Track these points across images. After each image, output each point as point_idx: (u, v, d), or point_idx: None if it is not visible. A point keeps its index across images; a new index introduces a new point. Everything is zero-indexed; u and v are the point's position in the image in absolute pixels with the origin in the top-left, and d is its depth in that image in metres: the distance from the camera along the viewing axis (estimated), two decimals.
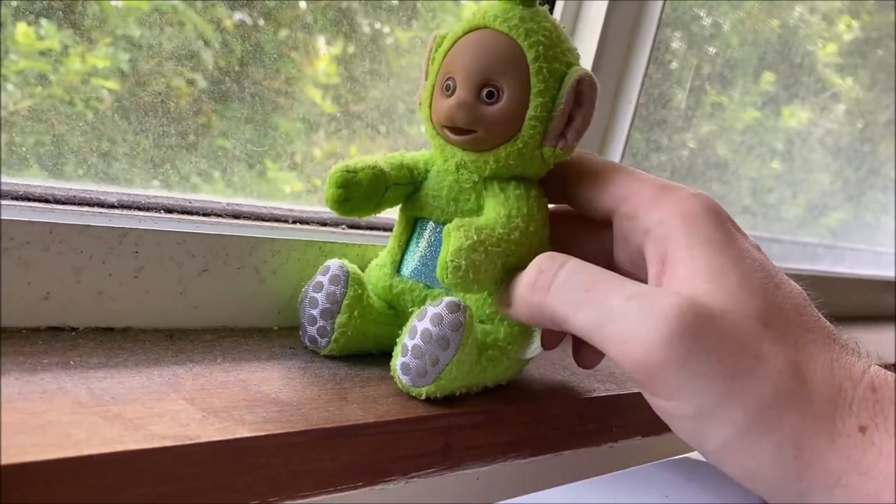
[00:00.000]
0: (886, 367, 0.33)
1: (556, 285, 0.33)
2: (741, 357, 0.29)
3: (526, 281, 0.34)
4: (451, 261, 0.34)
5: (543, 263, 0.34)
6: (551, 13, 0.55)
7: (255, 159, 0.48)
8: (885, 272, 1.09)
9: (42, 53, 0.40)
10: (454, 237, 0.35)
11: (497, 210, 0.37)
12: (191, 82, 0.44)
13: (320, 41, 0.50)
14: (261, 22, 0.46)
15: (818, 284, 0.37)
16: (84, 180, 0.42)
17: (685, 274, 0.32)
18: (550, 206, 0.40)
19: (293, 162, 0.50)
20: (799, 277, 0.35)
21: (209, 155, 0.46)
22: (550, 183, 0.40)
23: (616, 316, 0.31)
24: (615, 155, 0.60)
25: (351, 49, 0.51)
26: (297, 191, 0.51)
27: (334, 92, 0.51)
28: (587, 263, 0.33)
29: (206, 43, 0.44)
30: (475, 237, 0.35)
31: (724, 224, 0.33)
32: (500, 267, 0.36)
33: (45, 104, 0.40)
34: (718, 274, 0.31)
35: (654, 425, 0.47)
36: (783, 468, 0.28)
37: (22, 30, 0.39)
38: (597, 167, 0.39)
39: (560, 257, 0.34)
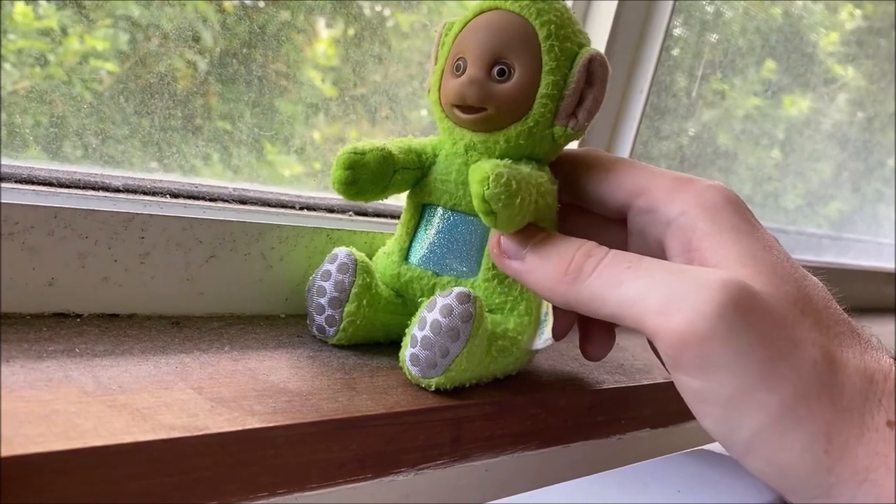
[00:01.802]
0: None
1: (601, 267, 0.32)
2: (780, 340, 0.29)
3: (575, 263, 0.33)
4: (493, 168, 0.33)
5: (592, 249, 0.33)
6: None
7: (254, 142, 0.47)
8: (887, 263, 1.09)
9: (41, 33, 0.39)
10: (483, 161, 0.34)
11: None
12: (190, 64, 0.44)
13: (320, 23, 0.49)
14: (261, 3, 0.46)
15: (822, 274, 0.37)
16: (82, 161, 0.41)
17: (717, 259, 0.31)
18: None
19: (292, 145, 0.50)
20: (806, 268, 0.35)
21: (208, 137, 0.45)
22: (559, 180, 0.39)
23: (658, 287, 0.30)
24: (626, 144, 0.59)
25: (351, 31, 0.51)
26: (296, 174, 0.51)
27: (334, 74, 0.51)
28: (625, 252, 0.33)
29: (207, 24, 0.43)
30: (509, 162, 0.34)
31: (745, 214, 0.33)
32: (534, 201, 0.34)
33: (43, 84, 0.40)
34: (751, 259, 0.31)
35: (663, 417, 0.47)
36: (813, 462, 0.28)
37: (20, 9, 0.38)
38: (607, 163, 0.38)
39: (604, 247, 0.33)
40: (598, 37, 0.56)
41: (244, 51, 0.45)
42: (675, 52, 0.74)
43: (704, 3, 0.75)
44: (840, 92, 1.04)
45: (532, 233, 0.35)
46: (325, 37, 0.50)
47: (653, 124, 0.74)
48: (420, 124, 0.56)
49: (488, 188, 0.32)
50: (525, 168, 0.36)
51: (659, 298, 0.29)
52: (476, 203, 0.33)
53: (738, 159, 0.93)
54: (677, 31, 0.73)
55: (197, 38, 0.43)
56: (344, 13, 0.50)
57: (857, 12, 1.01)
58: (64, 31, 0.40)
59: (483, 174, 0.32)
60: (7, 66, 0.39)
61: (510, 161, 0.36)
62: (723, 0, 0.77)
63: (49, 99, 0.40)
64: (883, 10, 1.04)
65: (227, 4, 0.44)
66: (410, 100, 0.55)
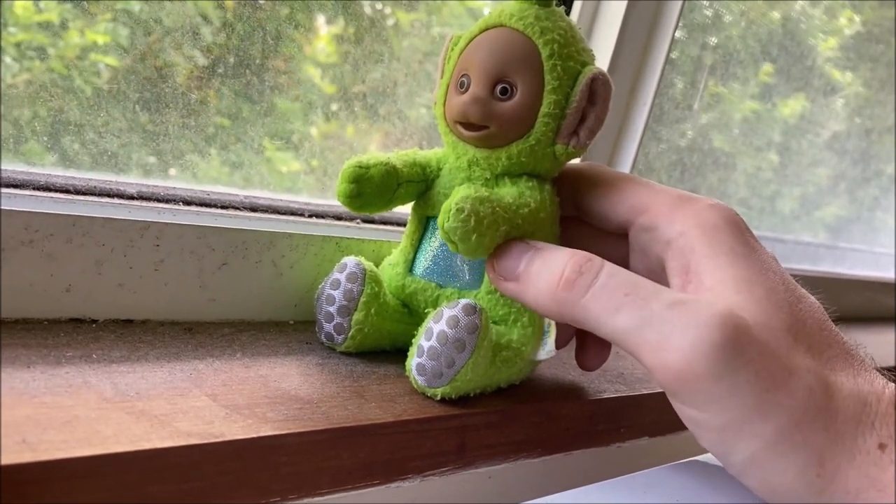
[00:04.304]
0: (886, 369, 0.34)
1: (596, 287, 0.32)
2: (775, 371, 0.29)
3: (566, 278, 0.33)
4: (456, 204, 0.34)
5: (584, 265, 0.33)
6: (569, 13, 0.55)
7: (252, 138, 0.48)
8: (884, 273, 1.10)
9: (41, 26, 0.39)
10: (463, 188, 0.35)
11: (509, 191, 0.37)
12: (190, 59, 0.44)
13: (321, 20, 0.50)
14: (261, 0, 0.46)
15: (818, 285, 0.37)
16: (80, 156, 0.42)
17: (712, 284, 0.32)
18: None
19: (291, 142, 0.50)
20: (798, 277, 0.35)
21: (206, 133, 0.46)
22: (562, 194, 0.40)
23: (656, 321, 0.30)
24: (628, 155, 0.60)
25: (351, 29, 0.51)
26: (294, 171, 0.51)
27: (333, 72, 0.51)
28: (622, 269, 0.33)
29: (207, 20, 0.44)
30: (485, 194, 0.35)
31: (745, 235, 0.34)
32: (502, 232, 0.35)
33: (43, 78, 0.40)
34: (746, 285, 0.31)
35: (662, 426, 0.48)
36: (806, 485, 0.29)
37: (21, 2, 0.39)
38: (610, 178, 0.39)
39: (598, 259, 0.33)
40: (603, 48, 0.57)
41: (244, 47, 0.46)
42: (674, 54, 0.75)
43: (704, 4, 0.76)
44: (838, 98, 1.04)
45: (525, 248, 0.35)
46: (324, 34, 0.50)
47: (650, 131, 0.75)
48: (418, 123, 0.57)
49: (448, 221, 0.34)
50: (510, 193, 0.37)
51: (656, 334, 0.30)
52: (440, 232, 0.34)
53: (735, 164, 0.94)
54: (677, 34, 0.74)
55: (197, 35, 0.44)
56: (344, 11, 0.50)
57: (857, 18, 1.02)
58: (64, 24, 0.40)
59: (447, 206, 0.34)
60: (7, 59, 0.39)
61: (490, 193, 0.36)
62: (722, 1, 0.78)
63: (48, 93, 0.40)
64: (882, 16, 1.05)
65: (227, 2, 0.45)
66: (409, 99, 0.56)
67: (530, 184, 0.38)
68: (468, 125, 0.37)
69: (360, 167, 0.37)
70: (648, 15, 0.58)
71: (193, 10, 0.43)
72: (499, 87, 0.36)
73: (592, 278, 0.32)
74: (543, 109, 0.36)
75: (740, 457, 0.30)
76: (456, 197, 0.34)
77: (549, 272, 0.33)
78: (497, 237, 0.35)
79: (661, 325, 0.30)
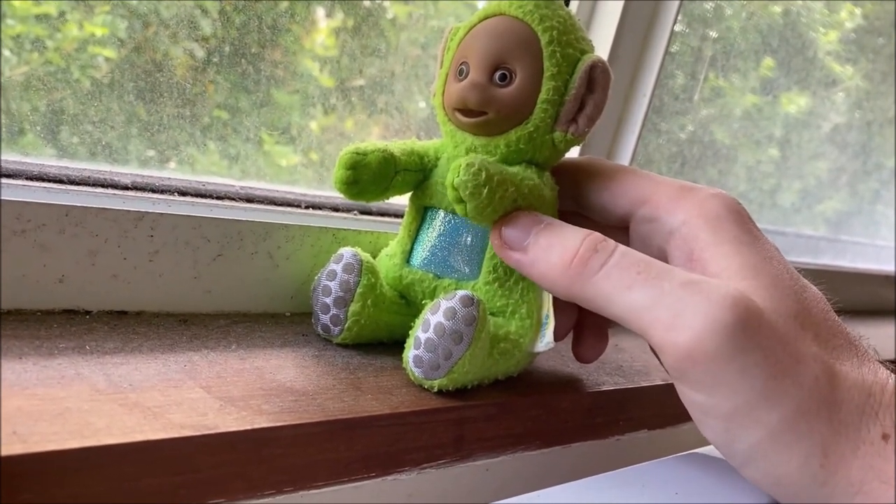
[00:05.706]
0: (886, 362, 0.33)
1: (609, 266, 0.32)
2: (784, 357, 0.29)
3: (580, 255, 0.32)
4: (466, 159, 0.33)
5: (599, 244, 0.32)
6: (567, 4, 0.55)
7: (251, 132, 0.48)
8: (885, 266, 1.10)
9: (39, 19, 0.39)
10: (476, 154, 0.34)
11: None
12: (188, 52, 0.44)
13: (319, 13, 0.49)
14: None
15: (820, 277, 0.37)
16: (78, 149, 0.41)
17: (718, 271, 0.32)
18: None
19: (290, 135, 0.50)
20: (800, 270, 0.35)
21: (205, 126, 0.46)
22: (561, 188, 0.39)
23: (667, 299, 0.30)
24: (628, 147, 0.60)
25: (350, 22, 0.51)
26: (292, 164, 0.51)
27: (332, 65, 0.51)
28: (635, 251, 0.32)
29: (205, 13, 0.44)
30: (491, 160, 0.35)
31: (747, 224, 0.33)
32: (510, 194, 0.35)
33: (41, 71, 0.40)
34: (752, 272, 0.31)
35: (660, 419, 0.48)
36: (809, 476, 0.28)
37: None
38: (610, 171, 0.39)
39: (612, 241, 0.33)
40: (602, 39, 0.57)
41: (242, 40, 0.45)
42: (674, 48, 0.74)
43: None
44: (839, 91, 1.04)
45: (535, 221, 0.35)
46: (323, 27, 0.50)
47: (650, 123, 0.74)
48: (417, 116, 0.57)
49: (458, 176, 0.33)
50: (514, 168, 0.37)
51: (668, 312, 0.30)
52: (448, 192, 0.34)
53: (736, 157, 0.94)
54: (677, 28, 0.73)
55: (195, 27, 0.43)
56: (342, 4, 0.50)
57: (857, 11, 1.01)
58: (62, 16, 0.40)
59: (457, 163, 0.33)
60: (6, 52, 0.39)
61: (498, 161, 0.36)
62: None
63: (46, 85, 0.40)
64: (883, 10, 1.04)
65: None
66: (407, 92, 0.55)
67: (529, 169, 0.38)
68: (467, 111, 0.37)
69: (357, 153, 0.37)
70: (647, 8, 0.58)
71: (191, 3, 0.43)
72: (497, 74, 0.36)
73: (607, 257, 0.32)
74: (542, 96, 0.36)
75: (744, 445, 0.30)
76: (464, 157, 0.34)
77: (563, 248, 0.33)
78: (506, 199, 0.35)
79: (673, 303, 0.30)
